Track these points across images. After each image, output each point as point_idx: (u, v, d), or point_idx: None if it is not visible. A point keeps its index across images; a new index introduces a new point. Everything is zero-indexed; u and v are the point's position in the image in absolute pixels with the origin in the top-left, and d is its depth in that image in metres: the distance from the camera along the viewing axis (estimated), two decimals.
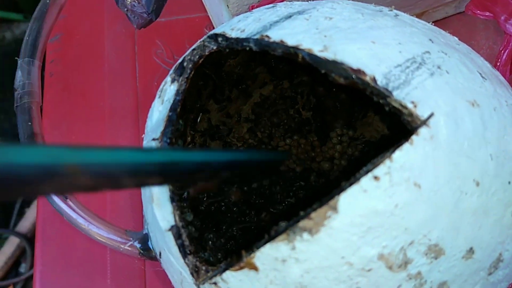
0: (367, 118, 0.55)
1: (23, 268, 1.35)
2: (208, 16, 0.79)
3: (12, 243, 1.33)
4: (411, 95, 0.28)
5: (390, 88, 0.28)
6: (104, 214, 0.68)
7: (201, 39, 0.39)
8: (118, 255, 0.62)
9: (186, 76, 0.36)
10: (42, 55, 0.55)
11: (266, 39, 0.31)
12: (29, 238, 1.37)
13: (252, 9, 0.49)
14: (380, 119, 0.54)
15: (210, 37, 0.37)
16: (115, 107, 0.78)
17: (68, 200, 0.49)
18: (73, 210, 0.49)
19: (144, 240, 0.42)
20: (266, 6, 0.39)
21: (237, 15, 0.52)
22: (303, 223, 0.26)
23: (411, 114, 0.27)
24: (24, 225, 1.37)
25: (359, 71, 0.28)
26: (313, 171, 0.56)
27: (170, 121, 0.33)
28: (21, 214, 1.41)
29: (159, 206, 0.33)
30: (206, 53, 0.38)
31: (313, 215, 0.26)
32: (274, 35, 0.31)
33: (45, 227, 0.66)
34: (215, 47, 0.37)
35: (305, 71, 0.55)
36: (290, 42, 0.30)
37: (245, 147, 0.59)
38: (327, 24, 0.31)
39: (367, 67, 0.28)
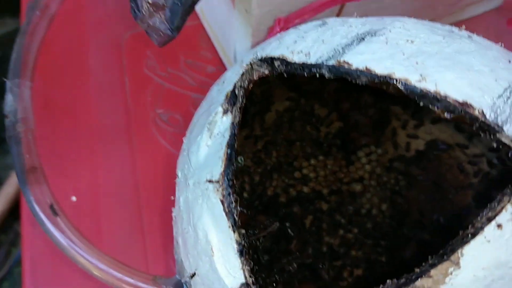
0: (396, 136, 0.53)
1: None
2: (202, 24, 0.74)
3: None
4: None
5: (500, 123, 0.25)
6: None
7: (246, 61, 0.34)
8: None
9: (239, 105, 0.31)
10: (33, 74, 0.48)
11: (346, 66, 0.27)
12: None
13: (279, 23, 0.45)
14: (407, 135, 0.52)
15: (262, 60, 0.32)
16: (104, 125, 0.71)
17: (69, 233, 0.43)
18: (80, 249, 0.43)
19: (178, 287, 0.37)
20: (314, 23, 0.35)
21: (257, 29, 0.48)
22: (421, 282, 0.23)
23: None
24: None
25: (466, 105, 0.25)
26: (343, 193, 0.53)
27: (229, 159, 0.28)
28: None
29: (222, 260, 0.28)
30: (255, 78, 0.33)
31: (432, 272, 0.23)
32: (355, 61, 0.27)
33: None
34: (266, 72, 0.33)
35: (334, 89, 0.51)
36: (379, 69, 0.26)
37: (261, 169, 0.55)
38: (411, 49, 0.28)
39: (472, 99, 0.25)
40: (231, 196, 0.28)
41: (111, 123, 0.71)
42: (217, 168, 0.29)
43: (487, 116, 0.25)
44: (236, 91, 0.32)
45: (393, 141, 0.54)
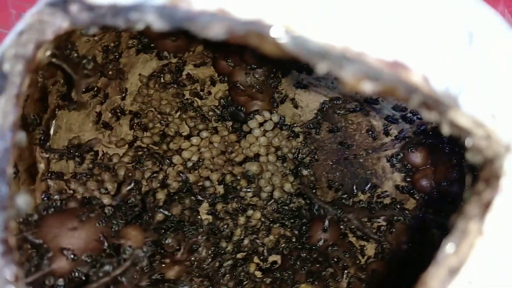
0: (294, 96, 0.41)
1: None
2: None
3: None
4: None
5: (453, 94, 0.14)
6: None
7: (34, 10, 0.20)
8: None
9: (15, 91, 0.17)
10: None
11: (185, 6, 0.15)
12: None
13: None
14: None
15: (52, 4, 0.18)
16: None
17: None
18: None
19: None
20: None
21: None
22: None
23: None
24: None
25: (398, 66, 0.14)
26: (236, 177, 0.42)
27: None
28: None
29: None
30: (49, 37, 0.19)
31: None
32: None
33: None
34: (65, 25, 0.19)
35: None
36: (242, 11, 0.14)
37: (129, 158, 0.41)
38: None
39: (406, 55, 0.14)
40: (7, 269, 0.15)
41: None
42: None
43: (432, 83, 0.14)
44: (6, 67, 0.17)
45: (292, 102, 0.43)
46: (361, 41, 0.14)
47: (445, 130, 0.15)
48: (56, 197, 0.31)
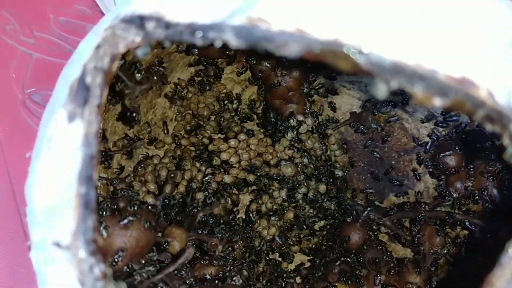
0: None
1: None
2: None
3: None
4: None
5: None
6: None
7: (106, 24, 0.21)
8: None
9: (97, 103, 0.19)
10: None
11: (264, 26, 0.16)
12: None
13: None
14: None
15: (128, 21, 0.20)
16: None
17: None
18: None
19: None
20: None
21: None
22: None
23: None
24: None
25: (466, 82, 0.15)
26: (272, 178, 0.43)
27: (86, 206, 0.16)
28: None
29: None
30: (121, 50, 0.21)
31: None
32: (277, 16, 0.16)
33: None
34: (138, 39, 0.20)
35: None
36: (319, 30, 0.15)
37: (168, 160, 0.42)
38: None
39: (471, 71, 0.15)
40: (97, 268, 0.16)
41: None
42: (67, 223, 0.17)
43: (497, 97, 0.15)
44: (88, 79, 0.19)
45: (330, 105, 0.44)
46: (432, 58, 0.15)
47: (506, 141, 0.16)
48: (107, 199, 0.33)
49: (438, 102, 0.15)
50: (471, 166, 0.39)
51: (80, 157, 0.18)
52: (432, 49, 0.15)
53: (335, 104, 0.44)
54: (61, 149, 0.18)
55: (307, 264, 0.44)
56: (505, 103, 0.15)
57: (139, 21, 0.19)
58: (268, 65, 0.41)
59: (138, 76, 0.30)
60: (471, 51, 0.16)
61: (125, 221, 0.31)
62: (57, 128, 0.18)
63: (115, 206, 0.31)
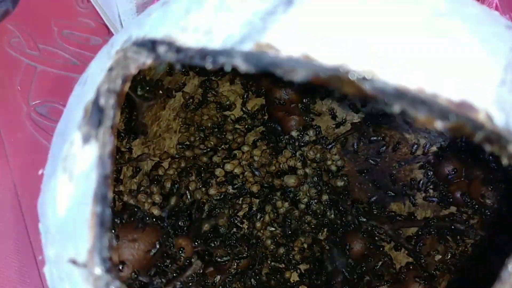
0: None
1: None
2: None
3: None
4: None
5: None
6: None
7: (118, 46, 0.22)
8: None
9: (110, 124, 0.19)
10: None
11: (272, 53, 0.16)
12: None
13: None
14: None
15: (139, 44, 0.20)
16: None
17: None
18: None
19: None
20: None
21: None
22: None
23: None
24: None
25: (465, 106, 0.15)
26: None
27: (101, 225, 0.17)
28: None
29: None
30: (132, 72, 0.21)
31: None
32: (284, 43, 0.17)
33: None
34: (149, 61, 0.21)
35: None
36: (325, 57, 0.16)
37: (173, 171, 0.43)
38: (367, 12, 0.17)
39: (470, 95, 0.16)
40: (112, 285, 0.17)
41: None
42: (83, 241, 0.17)
43: (495, 120, 0.16)
44: (102, 101, 0.20)
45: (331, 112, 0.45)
46: (434, 83, 0.15)
47: (505, 162, 0.16)
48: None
49: (439, 125, 0.15)
50: (471, 176, 0.39)
51: (95, 177, 0.18)
52: (434, 73, 0.16)
53: (335, 112, 0.45)
54: (76, 170, 0.19)
55: (310, 273, 0.45)
56: (503, 126, 0.16)
57: (150, 44, 0.20)
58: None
59: (141, 92, 0.31)
60: (471, 75, 0.17)
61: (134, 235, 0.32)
62: (72, 149, 0.19)
63: (125, 218, 0.32)
